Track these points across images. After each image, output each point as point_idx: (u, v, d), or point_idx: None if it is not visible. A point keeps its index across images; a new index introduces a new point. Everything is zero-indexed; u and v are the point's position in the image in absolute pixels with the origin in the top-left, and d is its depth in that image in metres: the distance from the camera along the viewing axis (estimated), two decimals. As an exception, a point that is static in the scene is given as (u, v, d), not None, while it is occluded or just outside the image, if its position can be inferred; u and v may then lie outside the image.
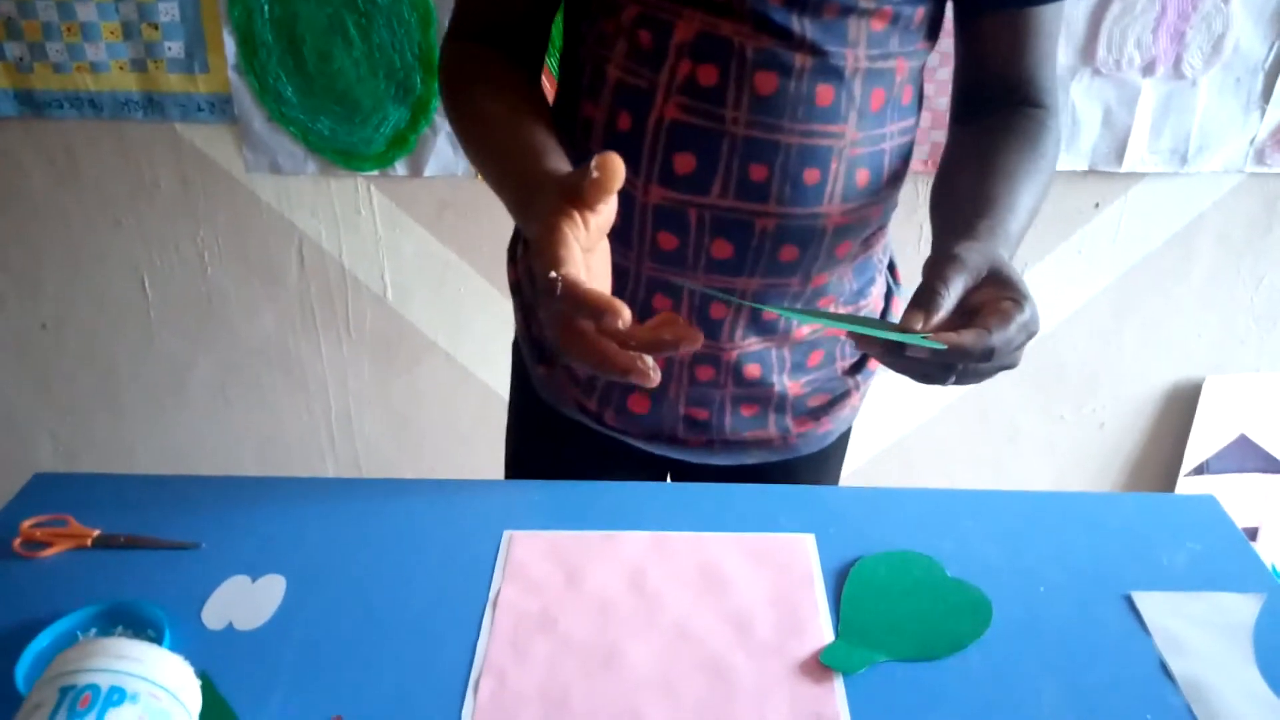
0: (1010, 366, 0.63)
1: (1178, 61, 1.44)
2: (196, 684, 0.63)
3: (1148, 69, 1.45)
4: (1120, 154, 1.53)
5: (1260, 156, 1.55)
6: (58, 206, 1.65)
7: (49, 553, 0.82)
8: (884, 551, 0.81)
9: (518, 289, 0.96)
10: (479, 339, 1.76)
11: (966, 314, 0.62)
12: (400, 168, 1.59)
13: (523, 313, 0.97)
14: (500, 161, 0.72)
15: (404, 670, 0.71)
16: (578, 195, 0.55)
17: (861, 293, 0.89)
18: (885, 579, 0.78)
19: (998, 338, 0.59)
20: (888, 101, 0.78)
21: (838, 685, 0.69)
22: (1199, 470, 1.79)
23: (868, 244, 0.86)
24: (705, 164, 0.75)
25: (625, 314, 0.51)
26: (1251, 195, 1.60)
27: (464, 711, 0.68)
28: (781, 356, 0.88)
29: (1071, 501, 0.88)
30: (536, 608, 0.76)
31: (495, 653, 0.72)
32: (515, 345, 1.01)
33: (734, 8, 0.72)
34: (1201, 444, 1.78)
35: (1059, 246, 1.63)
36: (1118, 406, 1.79)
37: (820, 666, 0.71)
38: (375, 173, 1.60)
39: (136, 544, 0.84)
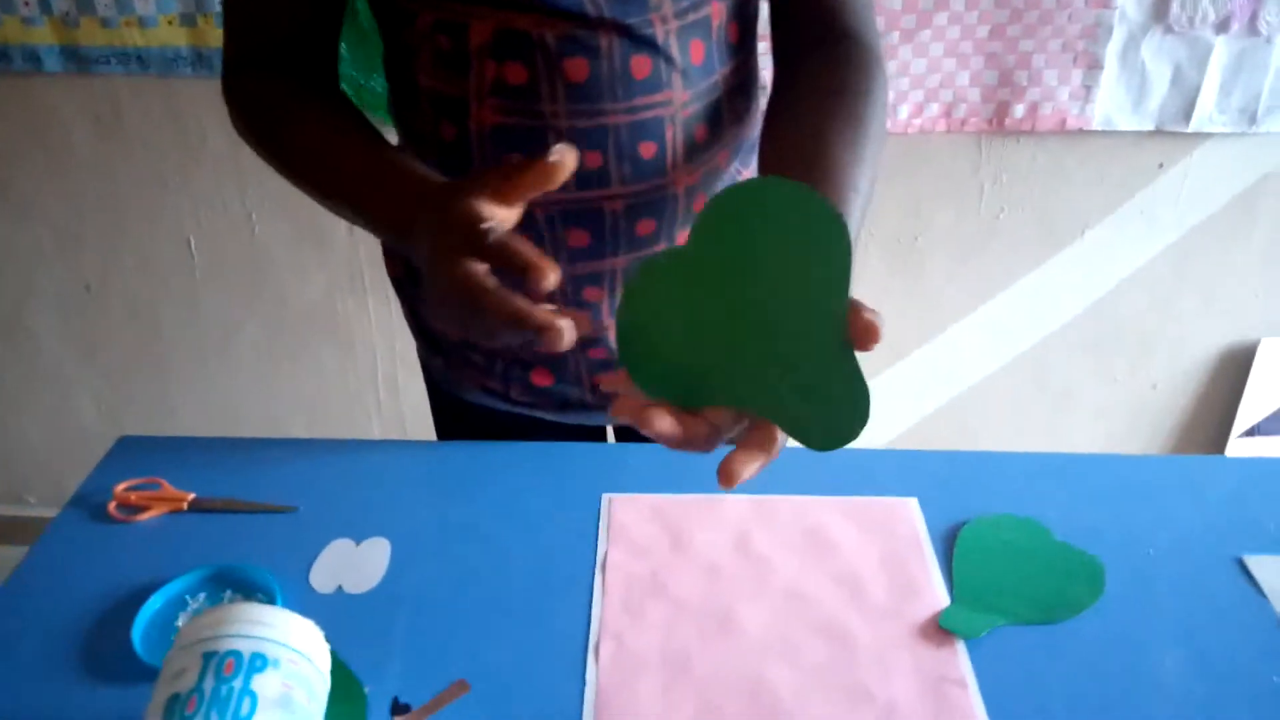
0: None
1: (1253, 19, 1.41)
2: (327, 649, 0.63)
3: (1221, 26, 1.42)
4: (1188, 114, 1.50)
5: (1332, 115, 1.52)
6: (103, 165, 1.63)
7: (145, 516, 0.82)
8: (991, 515, 0.80)
9: (400, 283, 0.93)
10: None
11: None
12: (452, 126, 1.56)
13: (409, 305, 0.94)
14: (352, 185, 0.67)
15: (521, 634, 0.71)
16: (497, 185, 0.54)
17: None
18: (995, 543, 0.78)
19: None
20: (711, 49, 0.74)
21: (960, 648, 0.69)
22: (1250, 432, 1.78)
23: (733, 181, 0.83)
24: None
25: (554, 276, 0.50)
26: (1319, 153, 1.57)
27: (587, 674, 0.67)
28: None
29: (1174, 465, 0.88)
30: (645, 571, 0.76)
31: (610, 616, 0.72)
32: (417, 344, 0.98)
33: (524, 1, 0.68)
34: (1254, 406, 1.77)
35: (1122, 206, 1.61)
36: (1171, 368, 1.78)
37: (940, 630, 0.70)
38: (426, 132, 1.57)
39: (233, 507, 0.83)
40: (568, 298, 0.81)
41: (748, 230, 0.47)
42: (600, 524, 0.80)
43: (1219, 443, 1.84)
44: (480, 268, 0.52)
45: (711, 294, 0.49)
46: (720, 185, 0.81)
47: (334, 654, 0.64)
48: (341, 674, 0.66)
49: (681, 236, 0.80)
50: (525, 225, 0.73)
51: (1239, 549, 0.78)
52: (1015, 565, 0.76)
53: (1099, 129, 1.53)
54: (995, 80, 1.48)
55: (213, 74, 1.52)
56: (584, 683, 0.67)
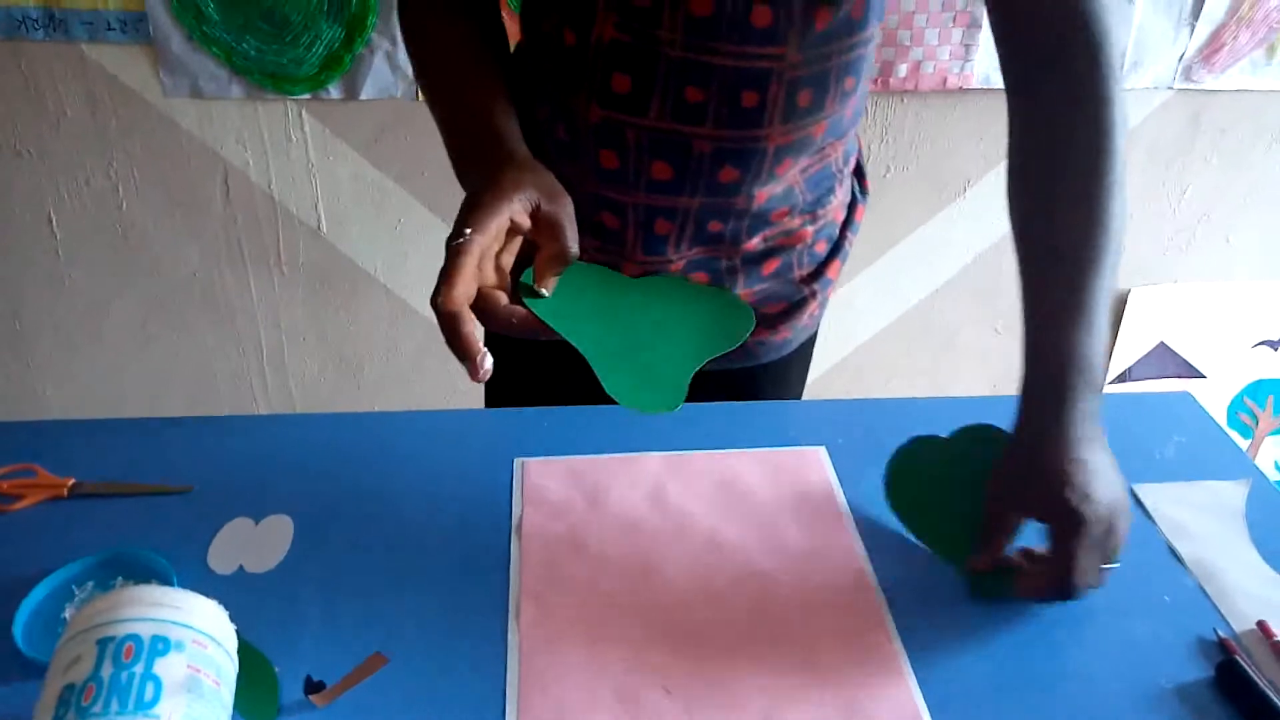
0: (1114, 563, 0.67)
1: (1119, -24, 1.48)
2: (233, 629, 0.59)
3: (1089, -16, 1.48)
4: (1061, 69, 1.56)
5: (1187, 73, 1.61)
6: (-54, 135, 1.50)
7: (19, 506, 0.76)
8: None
9: None
10: (420, 270, 1.70)
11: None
12: (334, 90, 1.49)
13: None
14: (451, 104, 0.74)
15: (438, 602, 0.69)
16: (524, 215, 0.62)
17: (819, 203, 0.88)
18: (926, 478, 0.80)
19: (1074, 582, 0.64)
20: (835, 21, 0.74)
21: (876, 589, 0.71)
22: (1121, 378, 1.88)
23: (822, 155, 0.85)
24: (641, 85, 0.75)
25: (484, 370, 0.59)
26: (1178, 111, 1.66)
27: (509, 638, 0.66)
28: (732, 265, 0.87)
29: (1063, 403, 0.91)
30: (562, 531, 0.75)
31: (530, 578, 0.70)
32: None
33: None
34: (1125, 353, 1.87)
35: (1002, 162, 1.66)
36: (1050, 318, 1.86)
37: (855, 571, 0.72)
38: (307, 96, 1.50)
39: (119, 491, 0.78)
40: (640, 224, 0.82)
41: (672, 300, 0.72)
42: (514, 488, 0.79)
43: (1093, 387, 1.94)
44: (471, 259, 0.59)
45: (630, 298, 0.70)
46: (809, 154, 0.81)
47: (240, 635, 0.61)
48: (249, 655, 0.62)
49: (761, 194, 0.81)
50: (615, 144, 0.78)
51: (1129, 478, 0.81)
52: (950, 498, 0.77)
53: (979, 87, 1.57)
54: (879, 40, 1.51)
55: (67, 38, 1.41)
56: (506, 646, 0.65)
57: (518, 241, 0.64)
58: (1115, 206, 0.67)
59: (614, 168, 0.79)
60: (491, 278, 0.62)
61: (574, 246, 0.64)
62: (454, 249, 0.58)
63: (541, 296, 0.63)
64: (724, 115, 0.75)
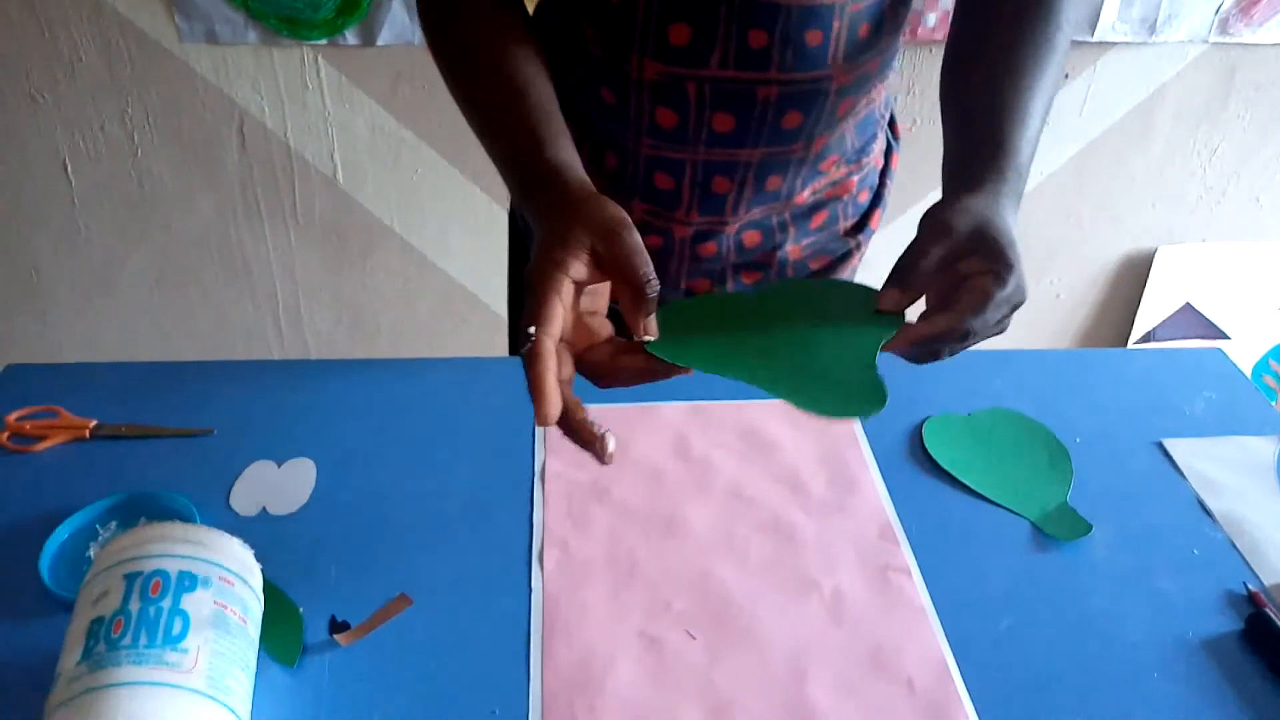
0: (998, 333, 0.62)
1: (1156, -74, 1.44)
2: (258, 568, 0.59)
3: (1125, -66, 1.44)
4: (1093, 23, 1.52)
5: (1224, 26, 1.56)
6: (-42, 80, 1.49)
7: (42, 446, 0.76)
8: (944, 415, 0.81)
9: None
10: (437, 223, 1.69)
11: (952, 282, 0.60)
12: (351, 36, 1.47)
13: None
14: (499, 121, 0.66)
15: (461, 545, 0.69)
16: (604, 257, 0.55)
17: (864, 150, 0.87)
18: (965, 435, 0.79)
19: (975, 321, 0.58)
20: None
21: (902, 538, 0.70)
22: (1145, 338, 1.86)
23: (869, 99, 0.83)
24: (702, 34, 0.72)
25: (611, 446, 0.53)
26: (1212, 66, 1.62)
27: (533, 582, 0.66)
28: (783, 221, 0.86)
29: (1091, 358, 0.90)
30: (586, 479, 0.74)
31: (554, 523, 0.70)
32: (512, 213, 0.97)
33: None
34: (1150, 313, 1.84)
35: (1027, 118, 1.63)
36: (1073, 278, 1.84)
37: (883, 521, 0.71)
38: (323, 42, 1.48)
39: (139, 433, 0.78)
40: (697, 183, 0.79)
41: (795, 308, 0.61)
42: (536, 436, 0.78)
43: (1118, 348, 1.93)
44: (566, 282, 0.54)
45: (749, 318, 0.60)
46: (864, 95, 0.80)
47: (264, 575, 0.61)
48: (274, 595, 0.63)
49: (819, 140, 0.79)
50: (677, 101, 0.74)
51: (1158, 433, 0.81)
52: (1001, 455, 0.78)
53: (1007, 39, 1.54)
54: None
55: (82, -22, 1.39)
56: (530, 590, 0.65)
57: (603, 288, 0.59)
58: (1059, 35, 0.70)
59: (671, 125, 0.76)
60: (591, 338, 0.57)
61: (650, 279, 0.56)
62: (528, 357, 0.52)
63: (650, 341, 0.57)
64: (788, 58, 0.72)
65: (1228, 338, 1.87)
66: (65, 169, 1.58)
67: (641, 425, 0.79)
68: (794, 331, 0.59)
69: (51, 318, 1.75)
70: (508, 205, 0.99)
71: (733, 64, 0.72)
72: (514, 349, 1.03)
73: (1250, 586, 0.67)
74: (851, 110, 0.80)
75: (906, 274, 0.59)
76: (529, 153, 0.63)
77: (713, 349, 0.58)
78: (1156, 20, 1.53)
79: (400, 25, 1.47)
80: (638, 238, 0.55)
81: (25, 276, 1.70)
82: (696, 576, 0.67)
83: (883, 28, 0.76)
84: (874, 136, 0.87)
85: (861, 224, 0.92)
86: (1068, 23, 0.71)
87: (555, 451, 0.76)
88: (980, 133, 0.66)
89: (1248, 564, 0.69)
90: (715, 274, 0.87)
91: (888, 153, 0.93)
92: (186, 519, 0.69)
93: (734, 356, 0.57)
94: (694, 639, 0.62)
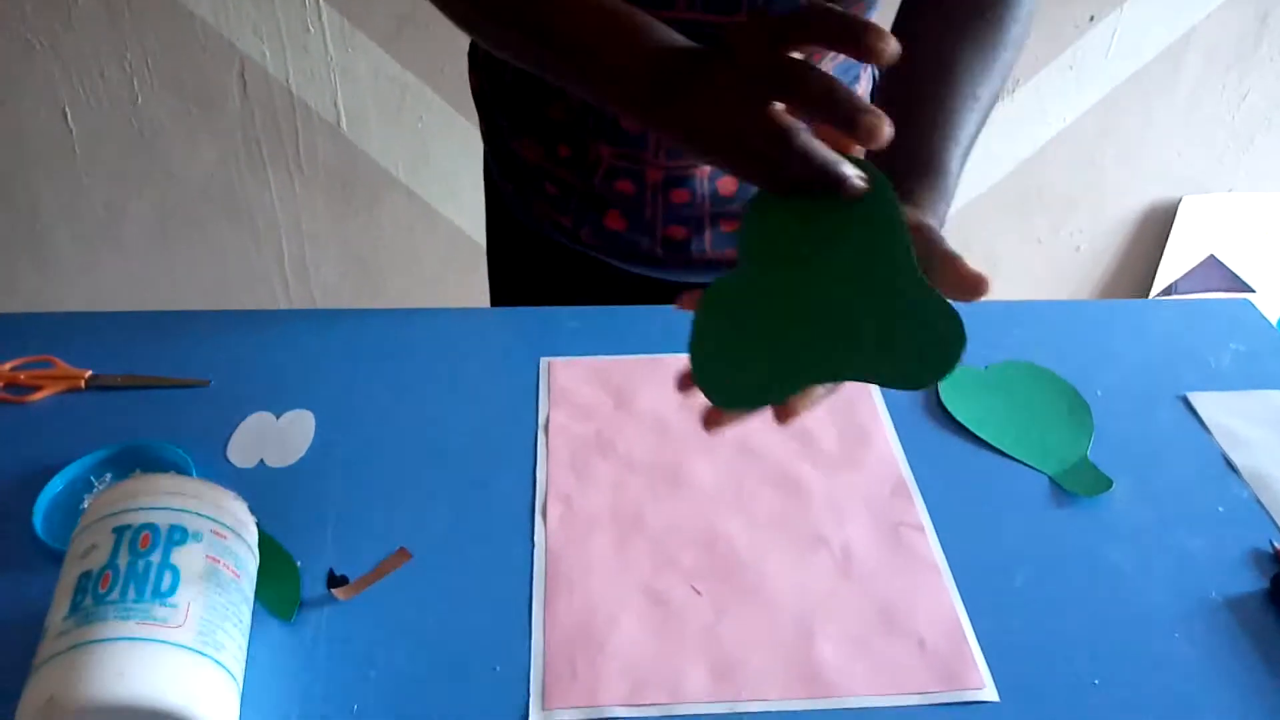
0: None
1: None
2: (253, 521, 0.58)
3: None
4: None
5: (1257, -36, 1.51)
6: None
7: (38, 396, 0.75)
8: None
9: (482, 97, 0.89)
10: (443, 171, 1.65)
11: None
12: (352, -22, 1.43)
13: (488, 124, 0.90)
14: (595, 26, 0.54)
15: (463, 499, 0.67)
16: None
17: None
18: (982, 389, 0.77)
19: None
20: None
21: (915, 493, 0.68)
22: (1167, 291, 1.82)
23: None
24: None
25: (888, 128, 0.43)
26: (1245, 7, 1.56)
27: (536, 535, 0.64)
28: None
29: (1114, 310, 0.87)
30: (590, 431, 0.72)
31: (557, 476, 0.68)
32: (486, 164, 0.94)
33: None
34: (1173, 265, 1.80)
35: (1052, 62, 1.58)
36: (1095, 228, 1.80)
37: (895, 476, 0.69)
38: (324, -16, 1.44)
39: (136, 384, 0.76)
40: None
41: (789, 226, 0.48)
42: (540, 387, 0.76)
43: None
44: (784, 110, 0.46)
45: (776, 299, 0.49)
46: None
47: (261, 528, 0.60)
48: (270, 548, 0.61)
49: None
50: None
51: (1183, 387, 0.78)
52: (1019, 409, 0.75)
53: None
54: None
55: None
56: (533, 544, 0.64)
57: None
58: (1008, 37, 0.67)
59: None
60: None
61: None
62: (784, 137, 0.44)
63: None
64: None
65: (1253, 291, 1.83)
66: (65, 116, 1.55)
67: (645, 378, 0.77)
68: (829, 294, 0.48)
69: (53, 268, 1.74)
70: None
71: (699, 5, 0.69)
72: (493, 304, 1.02)
73: (1276, 544, 0.65)
74: (828, 53, 0.77)
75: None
76: (658, 40, 0.54)
77: (759, 378, 0.51)
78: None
79: (403, -35, 1.43)
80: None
81: (26, 226, 1.68)
82: (702, 531, 0.65)
83: None
84: (856, 78, 0.84)
85: None
86: (1014, 41, 0.68)
87: (558, 405, 0.74)
88: (919, 145, 0.62)
89: (1274, 521, 0.67)
90: (693, 221, 0.84)
91: (873, 95, 0.90)
92: (183, 471, 0.68)
93: (783, 380, 0.50)
94: (699, 594, 0.61)
